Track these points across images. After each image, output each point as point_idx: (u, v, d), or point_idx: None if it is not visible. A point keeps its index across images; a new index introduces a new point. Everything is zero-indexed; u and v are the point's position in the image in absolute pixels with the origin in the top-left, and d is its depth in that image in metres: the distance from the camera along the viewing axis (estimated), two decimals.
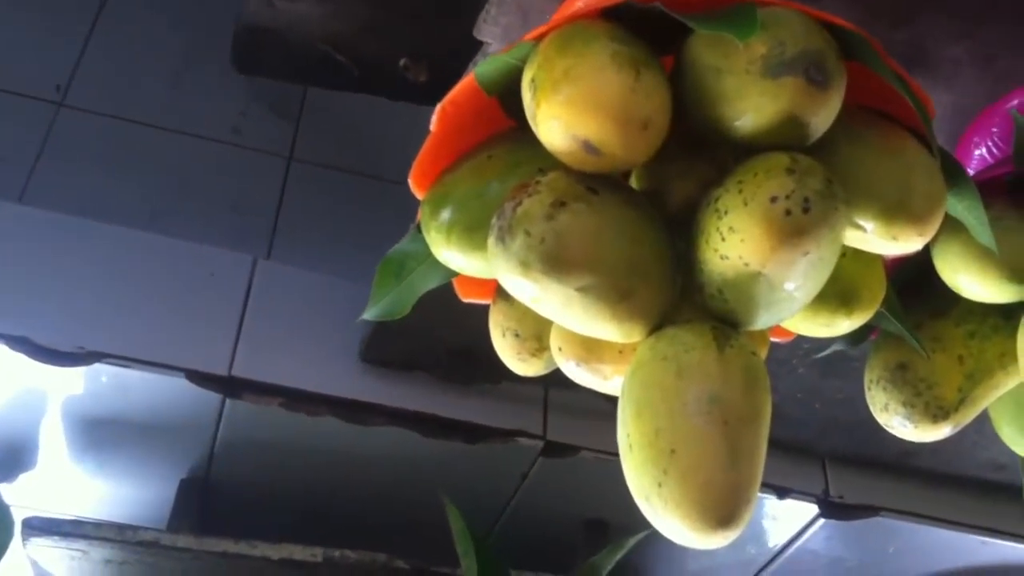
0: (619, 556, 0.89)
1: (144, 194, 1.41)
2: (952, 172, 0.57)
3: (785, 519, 1.18)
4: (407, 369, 1.03)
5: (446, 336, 0.99)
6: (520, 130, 0.57)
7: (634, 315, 0.53)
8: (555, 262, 0.50)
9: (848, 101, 0.53)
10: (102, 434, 1.08)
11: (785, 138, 0.51)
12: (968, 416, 0.67)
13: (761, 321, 0.53)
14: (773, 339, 0.72)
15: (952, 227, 0.62)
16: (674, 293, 0.55)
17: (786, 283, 0.50)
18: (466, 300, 0.70)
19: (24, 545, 1.05)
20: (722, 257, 0.51)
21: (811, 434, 1.09)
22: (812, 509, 1.14)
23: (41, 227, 1.05)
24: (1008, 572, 1.23)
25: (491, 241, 0.52)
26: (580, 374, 0.61)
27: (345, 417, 1.01)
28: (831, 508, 1.13)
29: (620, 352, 0.59)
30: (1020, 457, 0.79)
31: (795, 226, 0.48)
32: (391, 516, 1.12)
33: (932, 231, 0.55)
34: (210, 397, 1.00)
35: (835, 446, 1.12)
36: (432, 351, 1.01)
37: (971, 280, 0.61)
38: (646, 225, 0.54)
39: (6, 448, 1.12)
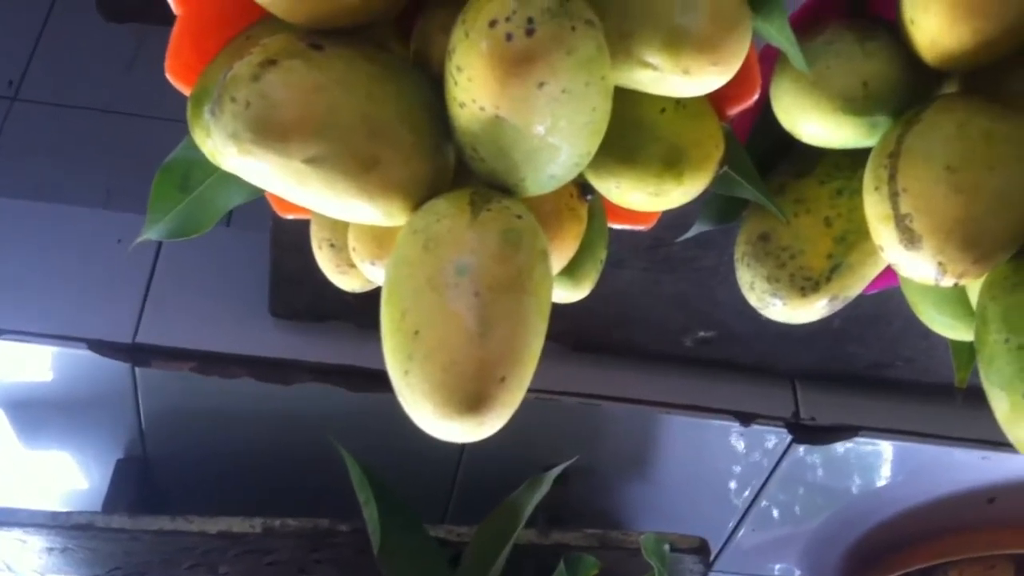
0: (541, 492, 0.82)
1: (99, 176, 1.39)
2: None
3: (759, 450, 1.09)
4: (319, 320, 0.97)
5: None
6: None
7: (388, 189, 0.47)
8: (265, 128, 0.44)
9: None
10: (28, 418, 1.05)
11: None
12: (848, 288, 0.59)
13: (532, 179, 0.47)
14: (633, 226, 0.64)
15: (783, 63, 0.54)
16: (443, 162, 0.48)
17: (533, 125, 0.43)
18: (286, 216, 0.64)
19: None
20: (460, 105, 0.44)
21: (767, 350, 1.01)
22: (784, 435, 1.06)
23: None
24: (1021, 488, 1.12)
25: (207, 119, 0.46)
26: (379, 275, 0.55)
27: (262, 376, 0.96)
28: (803, 431, 1.04)
29: None
30: (950, 341, 0.70)
31: (519, 52, 0.41)
32: (329, 479, 1.06)
33: (731, 61, 0.47)
34: (120, 367, 0.96)
35: (798, 362, 1.03)
36: (340, 298, 0.95)
37: (806, 119, 0.53)
38: (392, 83, 0.47)
39: None
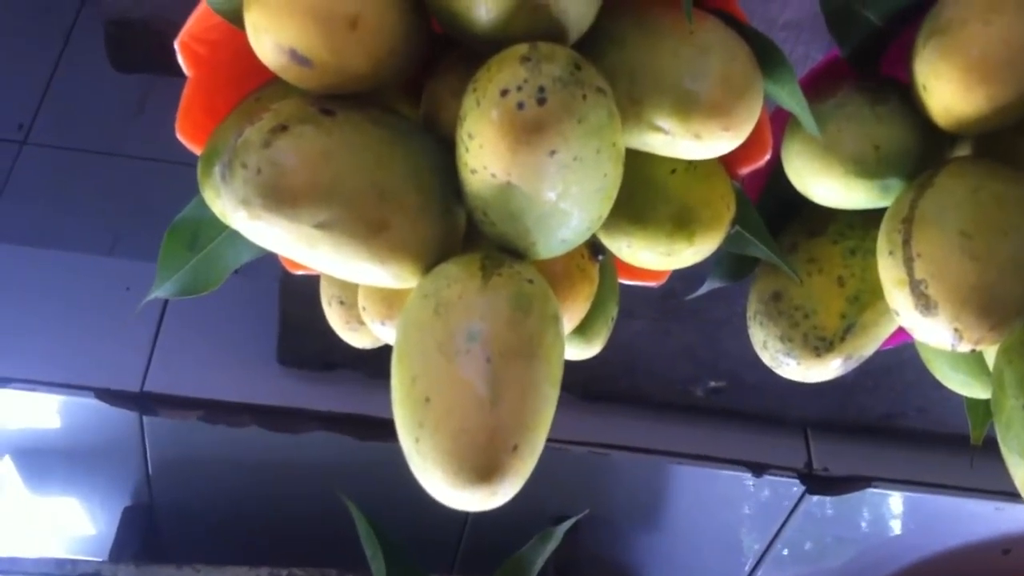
0: (551, 547, 0.82)
1: (106, 221, 1.39)
2: (766, 54, 0.48)
3: (772, 500, 1.08)
4: (327, 368, 0.97)
5: None
6: None
7: (397, 252, 0.46)
8: (275, 194, 0.43)
9: None
10: (35, 465, 1.05)
11: (535, 28, 0.44)
12: (862, 347, 0.58)
13: (543, 243, 0.46)
14: (645, 283, 0.64)
15: (794, 125, 0.54)
16: (452, 225, 0.48)
17: (544, 192, 0.43)
18: (295, 272, 0.63)
19: None
20: (472, 171, 0.44)
21: (779, 401, 1.00)
22: (797, 486, 1.05)
23: None
24: None
25: (217, 181, 0.46)
26: (389, 334, 0.55)
27: (270, 425, 0.95)
28: (816, 482, 1.03)
29: None
30: (965, 398, 0.69)
31: (530, 121, 0.41)
32: (337, 527, 1.06)
33: (742, 125, 0.47)
34: (128, 416, 0.95)
35: (812, 412, 1.02)
36: (349, 347, 0.95)
37: (817, 181, 0.52)
38: (401, 147, 0.47)
39: None
